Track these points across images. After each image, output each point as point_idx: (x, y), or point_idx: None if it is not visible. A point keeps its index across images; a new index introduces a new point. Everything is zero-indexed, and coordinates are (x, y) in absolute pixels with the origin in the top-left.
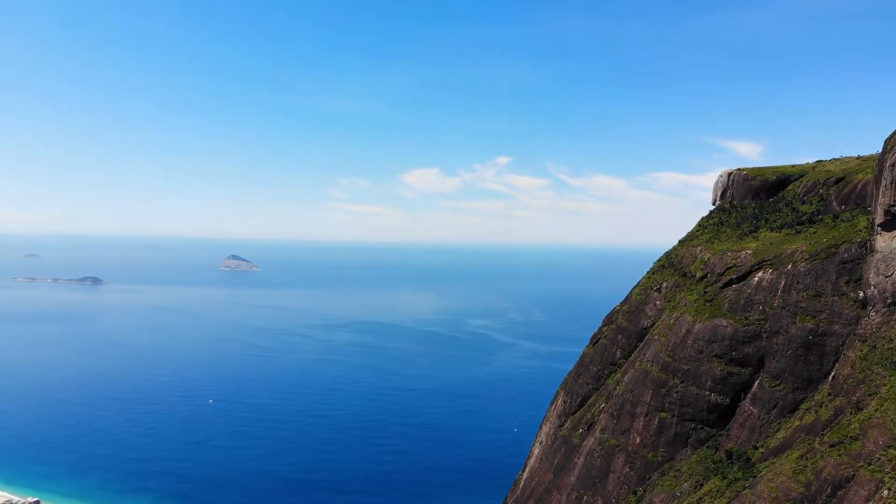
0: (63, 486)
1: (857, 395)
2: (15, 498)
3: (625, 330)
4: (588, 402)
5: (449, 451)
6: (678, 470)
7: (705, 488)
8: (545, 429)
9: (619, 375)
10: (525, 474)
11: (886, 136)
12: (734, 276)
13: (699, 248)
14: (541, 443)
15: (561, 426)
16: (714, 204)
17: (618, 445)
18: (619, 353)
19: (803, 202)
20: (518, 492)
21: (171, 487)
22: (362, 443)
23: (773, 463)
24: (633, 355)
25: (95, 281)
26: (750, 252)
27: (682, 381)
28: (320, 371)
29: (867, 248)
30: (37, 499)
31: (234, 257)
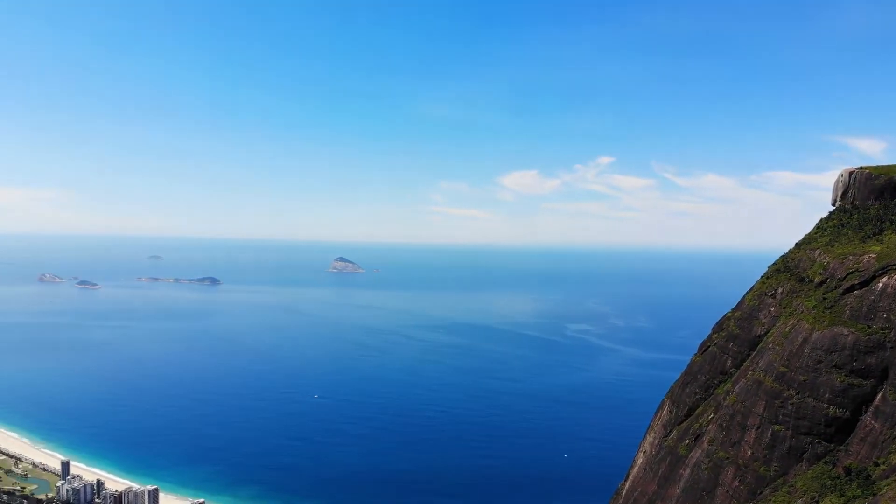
0: (179, 476)
1: None
2: (135, 486)
3: (736, 337)
4: (695, 413)
5: (545, 457)
6: (792, 486)
7: None
8: (649, 438)
9: (729, 385)
10: (627, 484)
11: None
12: (856, 282)
13: (817, 252)
14: (644, 452)
15: (666, 436)
16: (834, 205)
17: (727, 458)
18: (729, 362)
19: None
20: (620, 502)
21: (277, 480)
22: (460, 445)
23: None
24: (744, 364)
25: (213, 281)
26: (874, 256)
27: (797, 393)
28: (420, 371)
29: None
30: (156, 486)
31: (342, 259)
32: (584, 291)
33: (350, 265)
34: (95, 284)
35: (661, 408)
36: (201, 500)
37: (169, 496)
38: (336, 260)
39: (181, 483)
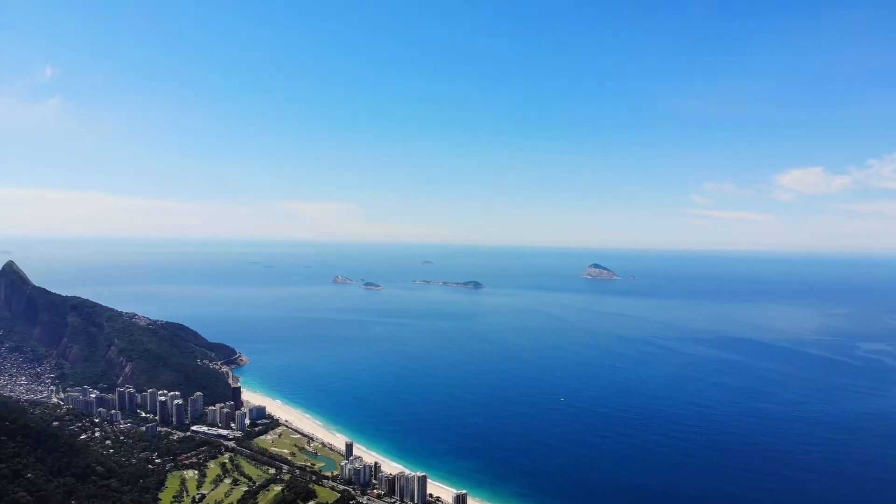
0: (446, 465)
1: None
2: (407, 471)
3: None
4: None
5: (823, 497)
6: None
7: None
8: None
9: None
10: None
11: None
12: None
13: None
14: None
15: None
16: None
17: None
18: None
19: None
20: None
21: (532, 483)
22: (722, 472)
23: None
24: None
25: (476, 285)
26: None
27: None
28: (679, 386)
29: None
30: (424, 474)
31: (596, 266)
32: (881, 305)
33: (605, 272)
34: (379, 285)
35: None
36: (464, 492)
37: (435, 484)
38: (590, 266)
39: (445, 474)
